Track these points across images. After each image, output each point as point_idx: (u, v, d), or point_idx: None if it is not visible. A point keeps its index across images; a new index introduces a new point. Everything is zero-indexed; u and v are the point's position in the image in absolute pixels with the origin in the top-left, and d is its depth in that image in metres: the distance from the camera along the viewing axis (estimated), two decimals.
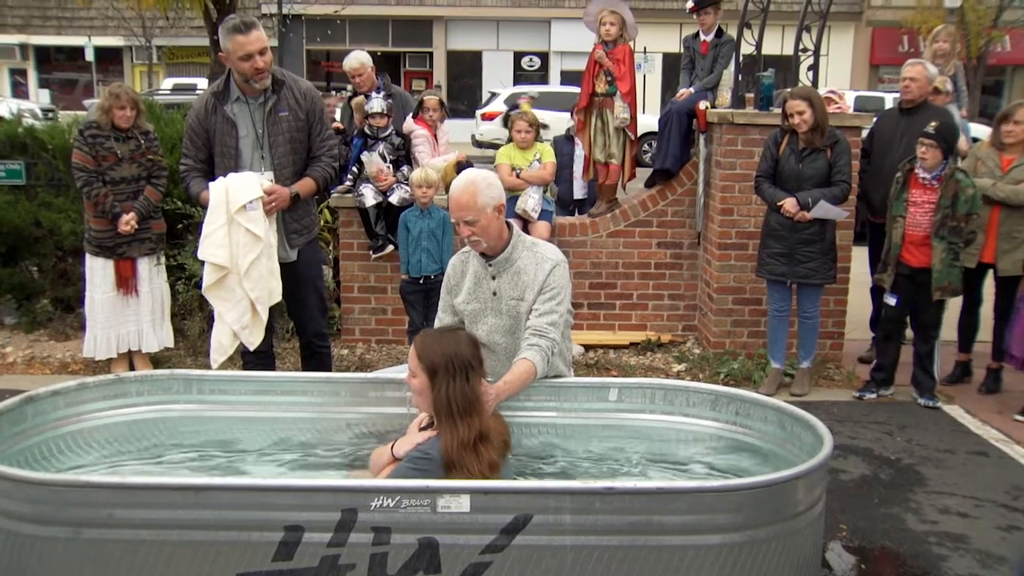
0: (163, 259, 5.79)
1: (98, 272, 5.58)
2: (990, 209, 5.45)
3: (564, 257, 3.48)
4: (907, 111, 5.85)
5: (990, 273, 5.68)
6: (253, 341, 4.22)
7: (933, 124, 5.17)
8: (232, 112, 4.21)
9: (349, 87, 7.28)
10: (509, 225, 3.45)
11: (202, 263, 4.20)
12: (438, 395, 2.89)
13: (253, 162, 4.25)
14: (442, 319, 3.58)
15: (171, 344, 5.88)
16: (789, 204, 5.28)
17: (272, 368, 4.65)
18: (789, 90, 5.54)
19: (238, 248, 4.08)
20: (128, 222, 5.43)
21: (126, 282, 5.58)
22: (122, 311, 5.63)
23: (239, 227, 4.06)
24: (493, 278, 3.42)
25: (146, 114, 5.75)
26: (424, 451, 2.89)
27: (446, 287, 3.57)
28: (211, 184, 4.16)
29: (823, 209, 5.24)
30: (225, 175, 4.18)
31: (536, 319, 3.33)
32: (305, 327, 4.63)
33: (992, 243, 5.49)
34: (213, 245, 4.07)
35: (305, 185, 4.31)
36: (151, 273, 5.68)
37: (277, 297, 4.24)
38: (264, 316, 4.21)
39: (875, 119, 6.35)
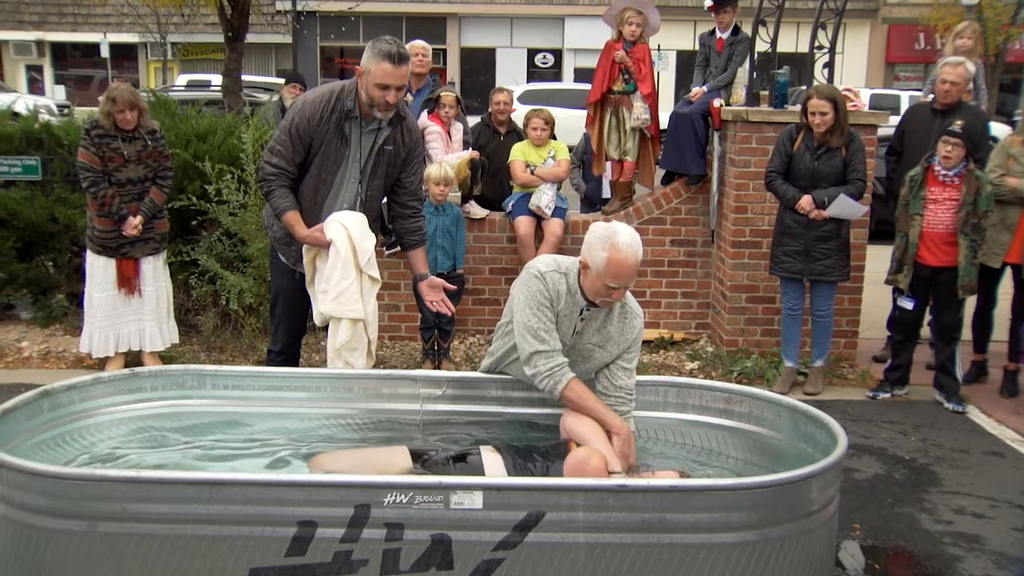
0: (165, 256, 5.64)
1: (99, 270, 5.43)
2: (1020, 210, 5.40)
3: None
4: (940, 111, 5.71)
5: (1007, 274, 5.62)
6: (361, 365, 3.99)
7: (959, 123, 5.12)
8: (347, 129, 3.90)
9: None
10: None
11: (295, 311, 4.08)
12: None
13: (345, 185, 3.98)
14: (548, 334, 3.29)
15: (177, 341, 5.77)
16: (805, 202, 5.26)
17: (295, 366, 4.59)
18: (814, 87, 5.49)
19: (364, 297, 3.90)
20: (136, 226, 5.30)
21: (129, 282, 5.42)
22: (123, 310, 5.46)
23: (362, 275, 3.88)
24: (582, 319, 3.37)
25: (149, 112, 5.52)
26: None
27: (549, 300, 3.30)
28: (331, 233, 3.83)
29: (839, 207, 5.20)
30: (316, 192, 3.93)
31: (627, 380, 3.41)
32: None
33: (1019, 244, 5.42)
34: (350, 301, 3.81)
35: (424, 266, 4.21)
36: (155, 272, 5.53)
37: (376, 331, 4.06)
38: (374, 351, 4.03)
39: (902, 117, 6.28)
